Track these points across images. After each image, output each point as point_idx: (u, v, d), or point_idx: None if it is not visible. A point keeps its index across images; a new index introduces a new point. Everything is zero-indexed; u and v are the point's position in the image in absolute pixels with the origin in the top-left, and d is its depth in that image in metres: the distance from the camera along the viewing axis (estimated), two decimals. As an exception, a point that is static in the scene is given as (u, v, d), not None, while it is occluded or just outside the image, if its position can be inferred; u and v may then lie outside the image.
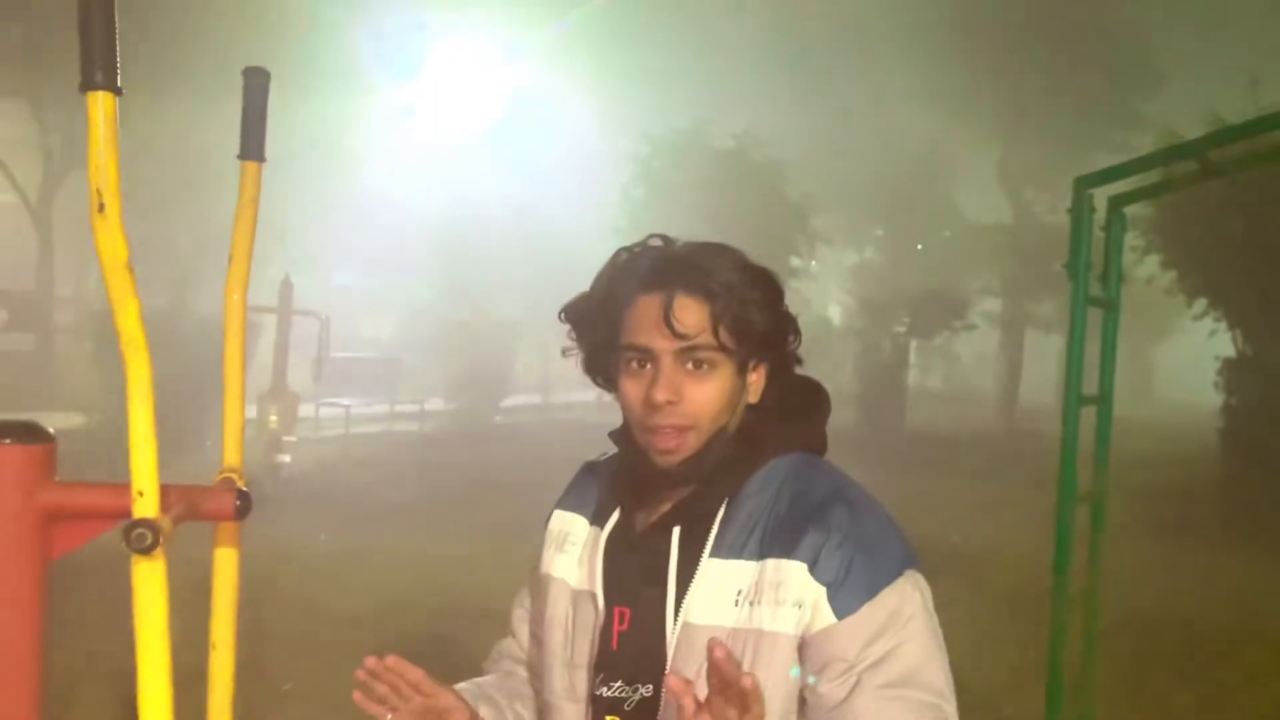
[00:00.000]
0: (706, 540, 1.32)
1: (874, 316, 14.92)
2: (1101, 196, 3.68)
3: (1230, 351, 11.04)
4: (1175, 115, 14.35)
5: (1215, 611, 6.79)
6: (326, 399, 14.87)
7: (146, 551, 1.45)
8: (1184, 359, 23.53)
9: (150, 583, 1.47)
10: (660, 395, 1.30)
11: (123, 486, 1.81)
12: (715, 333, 1.31)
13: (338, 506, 9.39)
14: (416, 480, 11.19)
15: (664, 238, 1.44)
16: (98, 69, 1.28)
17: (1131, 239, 10.41)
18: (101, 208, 1.29)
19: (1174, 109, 17.23)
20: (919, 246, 22.55)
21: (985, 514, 9.85)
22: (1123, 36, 20.15)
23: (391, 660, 1.32)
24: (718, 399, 1.33)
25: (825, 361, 22.46)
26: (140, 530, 1.45)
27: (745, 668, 1.07)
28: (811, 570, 1.24)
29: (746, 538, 1.30)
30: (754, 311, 1.33)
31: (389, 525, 8.78)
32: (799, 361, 1.44)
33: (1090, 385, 3.63)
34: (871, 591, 1.24)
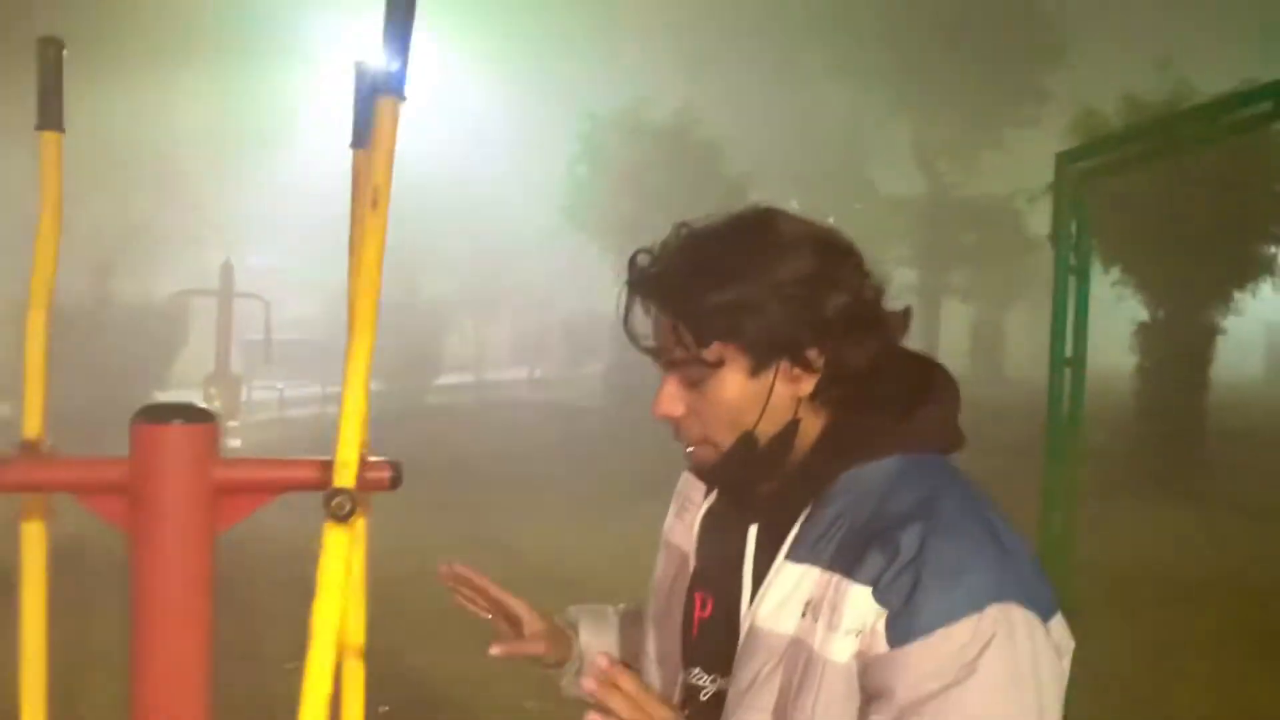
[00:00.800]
0: (785, 540, 1.18)
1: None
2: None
3: (1144, 316, 11.68)
4: (1081, 91, 15.01)
5: (1142, 560, 7.31)
6: (258, 382, 14.66)
7: (345, 519, 1.55)
8: (1100, 325, 24.53)
9: (344, 549, 1.56)
10: (652, 412, 1.22)
11: (280, 462, 1.92)
12: (680, 341, 1.17)
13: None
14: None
15: (683, 225, 1.24)
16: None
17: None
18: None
19: (1080, 86, 18.00)
20: (830, 219, 23.07)
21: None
22: (1030, 15, 20.90)
23: (459, 568, 1.43)
24: (722, 409, 1.18)
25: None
26: (340, 499, 1.54)
27: (796, 683, 1.09)
28: (874, 594, 1.08)
29: (827, 543, 1.15)
30: (701, 303, 1.15)
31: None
32: (888, 341, 1.20)
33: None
34: (934, 624, 1.05)
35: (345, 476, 1.57)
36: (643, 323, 1.21)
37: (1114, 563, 6.94)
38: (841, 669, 1.10)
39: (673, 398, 1.20)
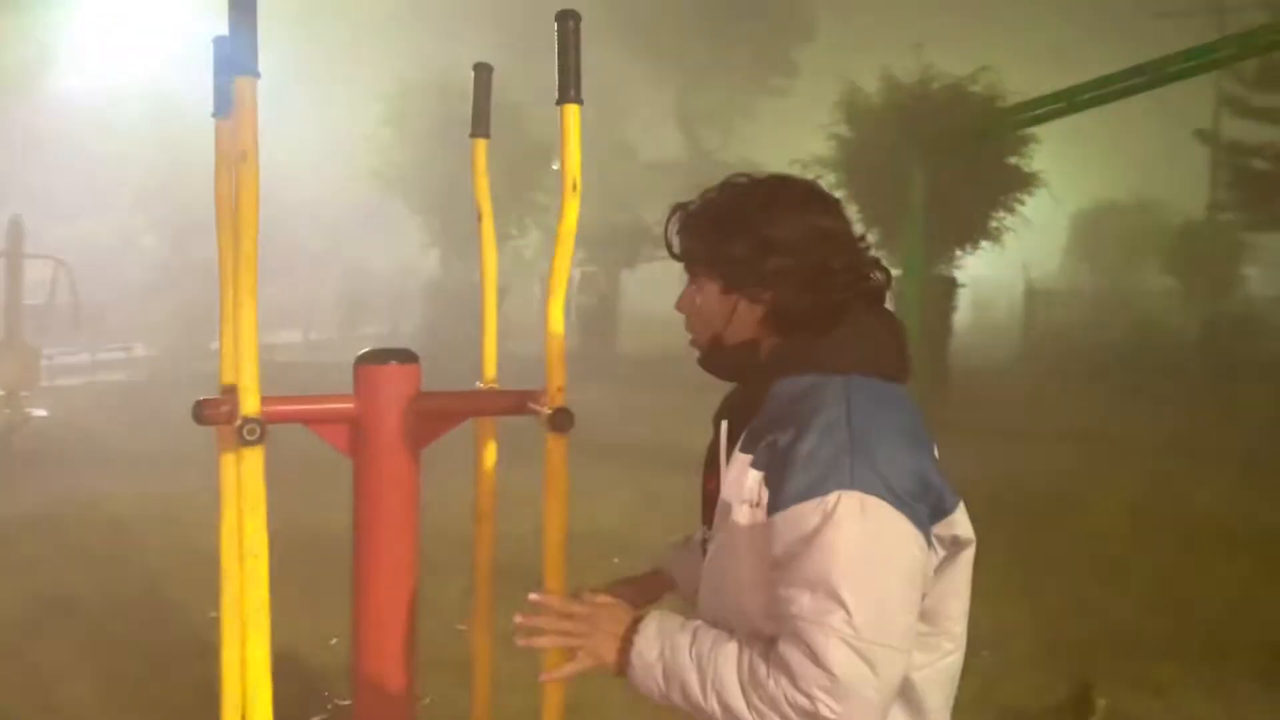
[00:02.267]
0: (740, 434, 1.48)
1: (591, 249, 16.13)
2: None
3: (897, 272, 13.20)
4: (829, 64, 16.51)
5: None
6: (62, 348, 13.62)
7: (563, 430, 2.06)
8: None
9: (562, 455, 2.06)
10: (675, 306, 1.64)
11: (468, 393, 2.40)
12: (683, 252, 1.58)
13: (105, 456, 9.02)
14: (155, 427, 10.79)
15: (728, 179, 1.57)
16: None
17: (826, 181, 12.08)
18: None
19: (827, 60, 19.69)
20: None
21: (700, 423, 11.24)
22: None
23: (531, 618, 1.50)
24: (704, 312, 1.56)
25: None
26: (562, 414, 2.06)
27: (724, 539, 1.45)
28: (764, 477, 1.38)
29: (757, 438, 1.43)
30: (695, 228, 1.55)
31: (166, 473, 8.63)
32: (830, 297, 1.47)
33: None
34: (790, 502, 1.31)
35: (559, 399, 2.08)
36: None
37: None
38: (743, 530, 1.41)
39: (685, 298, 1.61)
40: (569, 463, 2.05)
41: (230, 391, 2.24)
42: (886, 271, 1.57)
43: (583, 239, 17.02)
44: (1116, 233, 25.81)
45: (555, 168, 3.90)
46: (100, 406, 12.19)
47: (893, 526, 1.30)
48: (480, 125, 2.52)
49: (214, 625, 2.25)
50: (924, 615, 1.41)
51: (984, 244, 12.75)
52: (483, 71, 2.49)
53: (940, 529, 1.40)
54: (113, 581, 5.67)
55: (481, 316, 2.54)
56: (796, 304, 1.47)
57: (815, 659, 1.26)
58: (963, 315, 12.22)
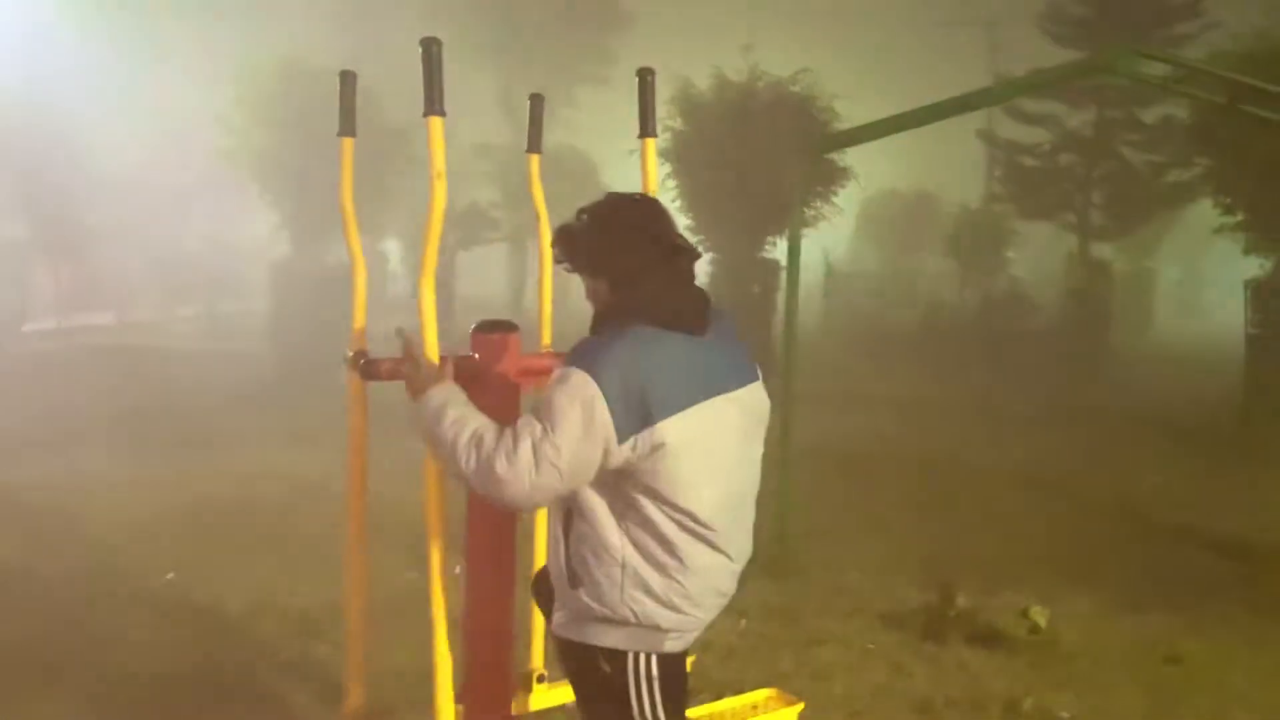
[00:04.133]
0: None
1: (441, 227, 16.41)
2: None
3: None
4: (646, 53, 17.42)
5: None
6: None
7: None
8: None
9: None
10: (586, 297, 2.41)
11: (548, 355, 3.05)
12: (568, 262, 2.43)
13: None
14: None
15: (581, 211, 2.40)
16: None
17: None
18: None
19: (644, 48, 20.63)
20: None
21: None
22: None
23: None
24: (588, 294, 2.39)
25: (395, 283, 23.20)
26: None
27: None
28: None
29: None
30: (565, 241, 2.39)
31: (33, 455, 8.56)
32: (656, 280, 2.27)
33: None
34: (559, 368, 2.21)
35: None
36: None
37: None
38: None
39: (587, 289, 2.39)
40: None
41: (361, 354, 2.85)
42: (694, 253, 2.36)
43: (420, 221, 17.30)
44: (899, 220, 28.15)
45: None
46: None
47: (594, 400, 2.09)
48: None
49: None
50: (653, 493, 2.18)
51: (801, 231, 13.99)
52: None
53: (644, 435, 2.12)
54: None
55: (539, 291, 3.21)
56: (617, 289, 2.31)
57: (514, 440, 2.12)
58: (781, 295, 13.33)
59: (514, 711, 3.02)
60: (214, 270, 20.01)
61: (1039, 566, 5.99)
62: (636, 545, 2.21)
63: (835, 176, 13.12)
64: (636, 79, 3.17)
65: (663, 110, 13.69)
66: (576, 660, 2.34)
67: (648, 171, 3.24)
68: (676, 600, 2.23)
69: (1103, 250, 17.35)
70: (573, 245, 2.38)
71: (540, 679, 3.20)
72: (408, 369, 2.45)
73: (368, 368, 2.81)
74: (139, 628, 4.73)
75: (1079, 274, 16.29)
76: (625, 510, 2.22)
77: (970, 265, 22.49)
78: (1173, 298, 29.47)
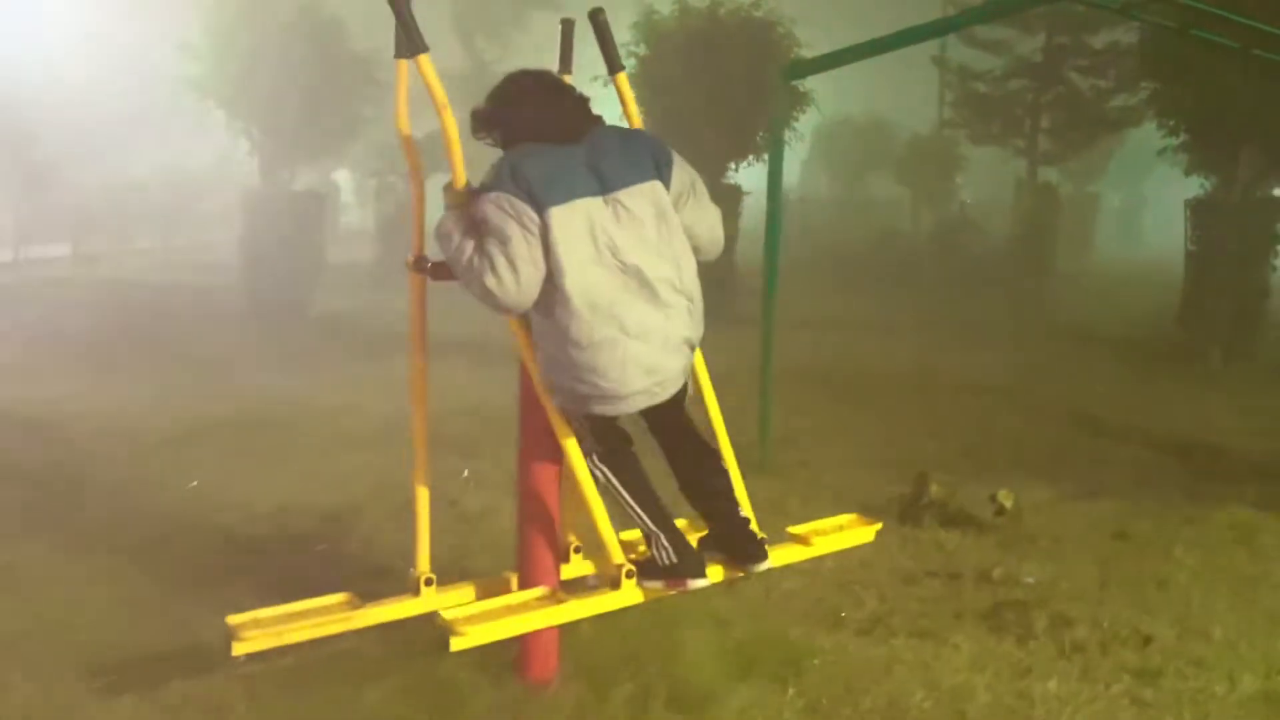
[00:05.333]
0: None
1: (389, 159, 16.54)
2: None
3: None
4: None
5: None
6: None
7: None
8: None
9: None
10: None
11: None
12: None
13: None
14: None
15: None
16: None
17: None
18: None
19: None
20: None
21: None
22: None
23: None
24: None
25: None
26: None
27: None
28: None
29: None
30: (474, 117, 3.05)
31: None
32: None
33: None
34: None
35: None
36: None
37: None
38: None
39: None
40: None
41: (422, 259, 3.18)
42: (580, 103, 3.02)
43: (379, 149, 17.30)
44: (853, 146, 28.43)
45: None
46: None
47: (501, 203, 2.77)
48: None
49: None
50: (551, 280, 2.78)
51: (750, 158, 14.12)
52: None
53: (537, 214, 2.76)
54: None
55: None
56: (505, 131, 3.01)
57: (490, 260, 2.79)
58: (745, 220, 13.66)
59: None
60: (182, 200, 19.83)
61: (1000, 463, 6.51)
62: (554, 333, 2.84)
63: (797, 101, 13.39)
64: (591, 21, 3.43)
65: (627, 35, 13.79)
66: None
67: (628, 104, 3.53)
68: (584, 374, 2.84)
69: (1049, 175, 17.90)
70: (477, 117, 3.02)
71: (577, 550, 3.60)
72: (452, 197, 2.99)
73: (436, 269, 3.13)
74: (180, 530, 5.04)
75: (1027, 199, 16.84)
76: (548, 306, 2.82)
77: (922, 191, 23.01)
78: (1114, 221, 30.31)
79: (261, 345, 10.67)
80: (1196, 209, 11.11)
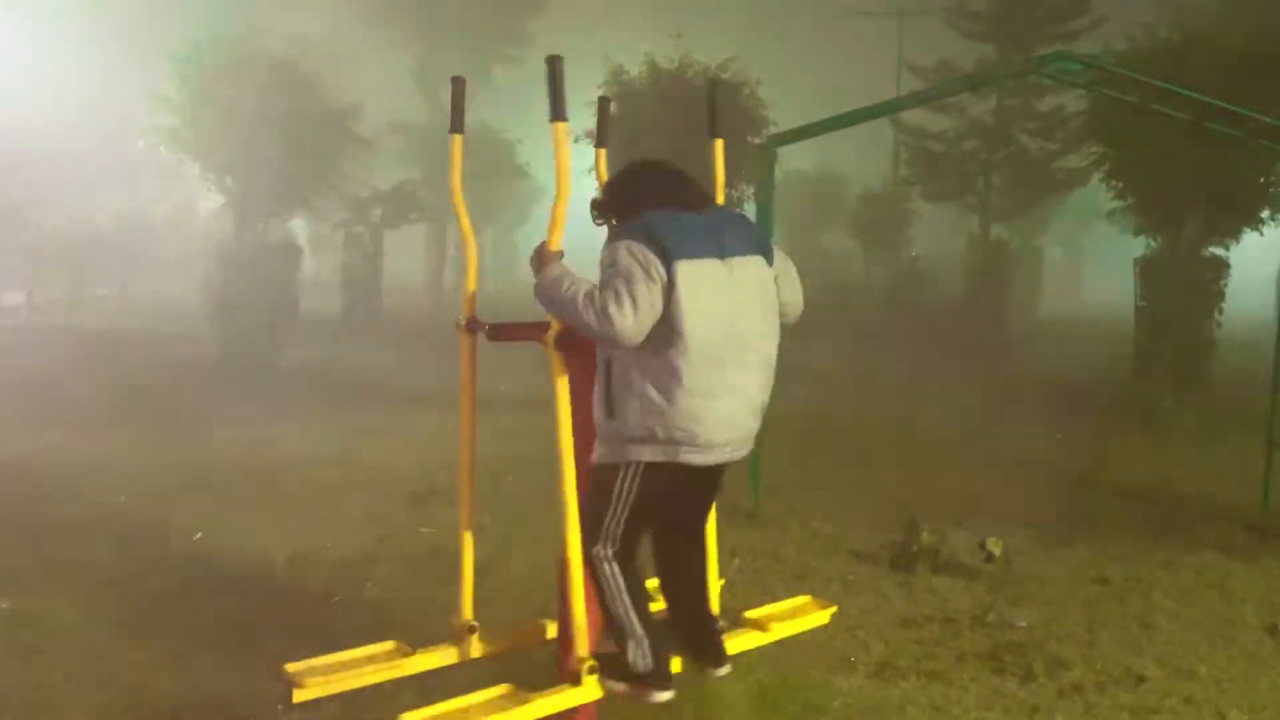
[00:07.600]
0: None
1: (355, 210, 16.70)
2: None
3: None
4: (560, 35, 17.81)
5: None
6: None
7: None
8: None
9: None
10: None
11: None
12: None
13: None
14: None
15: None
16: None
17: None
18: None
19: (560, 29, 21.02)
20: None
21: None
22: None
23: None
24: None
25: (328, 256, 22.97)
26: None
27: None
28: None
29: None
30: (593, 205, 3.22)
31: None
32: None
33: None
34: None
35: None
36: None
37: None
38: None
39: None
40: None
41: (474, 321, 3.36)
42: (699, 184, 3.19)
43: (345, 201, 17.39)
44: (808, 201, 29.09)
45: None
46: None
47: (634, 252, 2.89)
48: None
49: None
50: (668, 321, 2.88)
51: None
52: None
53: (665, 266, 2.88)
54: None
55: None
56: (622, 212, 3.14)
57: (614, 293, 2.87)
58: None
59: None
60: (155, 248, 19.73)
61: (973, 511, 6.76)
62: (663, 373, 2.92)
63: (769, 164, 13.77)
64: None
65: (596, 94, 14.12)
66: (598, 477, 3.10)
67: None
68: (681, 420, 2.92)
69: (999, 230, 18.56)
70: (598, 205, 3.20)
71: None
72: (533, 259, 3.08)
73: (493, 330, 3.31)
74: (194, 584, 5.09)
75: (980, 253, 17.44)
76: (661, 348, 2.91)
77: (875, 245, 23.63)
78: (1057, 275, 31.31)
79: (235, 395, 10.67)
80: (1145, 267, 11.64)
